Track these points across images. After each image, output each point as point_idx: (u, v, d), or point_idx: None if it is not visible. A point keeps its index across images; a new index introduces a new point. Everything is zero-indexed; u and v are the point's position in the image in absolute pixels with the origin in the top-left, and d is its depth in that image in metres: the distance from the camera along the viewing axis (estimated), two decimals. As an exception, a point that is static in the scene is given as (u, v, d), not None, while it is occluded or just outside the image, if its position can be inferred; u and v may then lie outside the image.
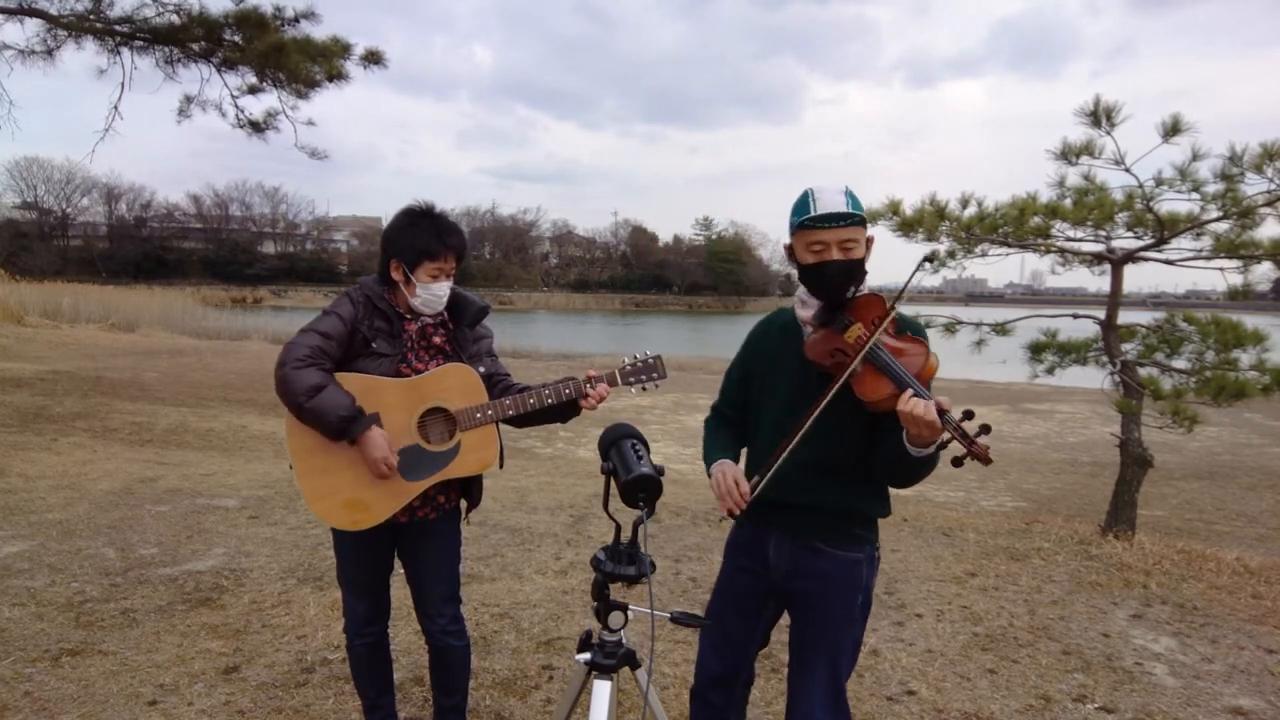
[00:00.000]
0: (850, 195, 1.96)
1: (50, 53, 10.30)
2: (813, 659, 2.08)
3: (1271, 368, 5.05)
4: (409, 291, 2.42)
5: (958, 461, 1.77)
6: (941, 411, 1.74)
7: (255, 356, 18.92)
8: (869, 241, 2.02)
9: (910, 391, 1.78)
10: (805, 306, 2.08)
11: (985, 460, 1.72)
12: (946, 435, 1.77)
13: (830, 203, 1.93)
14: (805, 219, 1.95)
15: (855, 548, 2.07)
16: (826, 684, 2.06)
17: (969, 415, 1.73)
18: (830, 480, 2.03)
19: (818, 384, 1.97)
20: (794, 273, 2.11)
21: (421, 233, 2.39)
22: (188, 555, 4.62)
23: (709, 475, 2.12)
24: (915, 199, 6.11)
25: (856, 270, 1.98)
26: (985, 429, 1.72)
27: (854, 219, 1.93)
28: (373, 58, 10.70)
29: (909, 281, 2.06)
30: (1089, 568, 4.95)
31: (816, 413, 1.92)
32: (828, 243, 1.94)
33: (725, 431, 2.24)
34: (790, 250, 2.07)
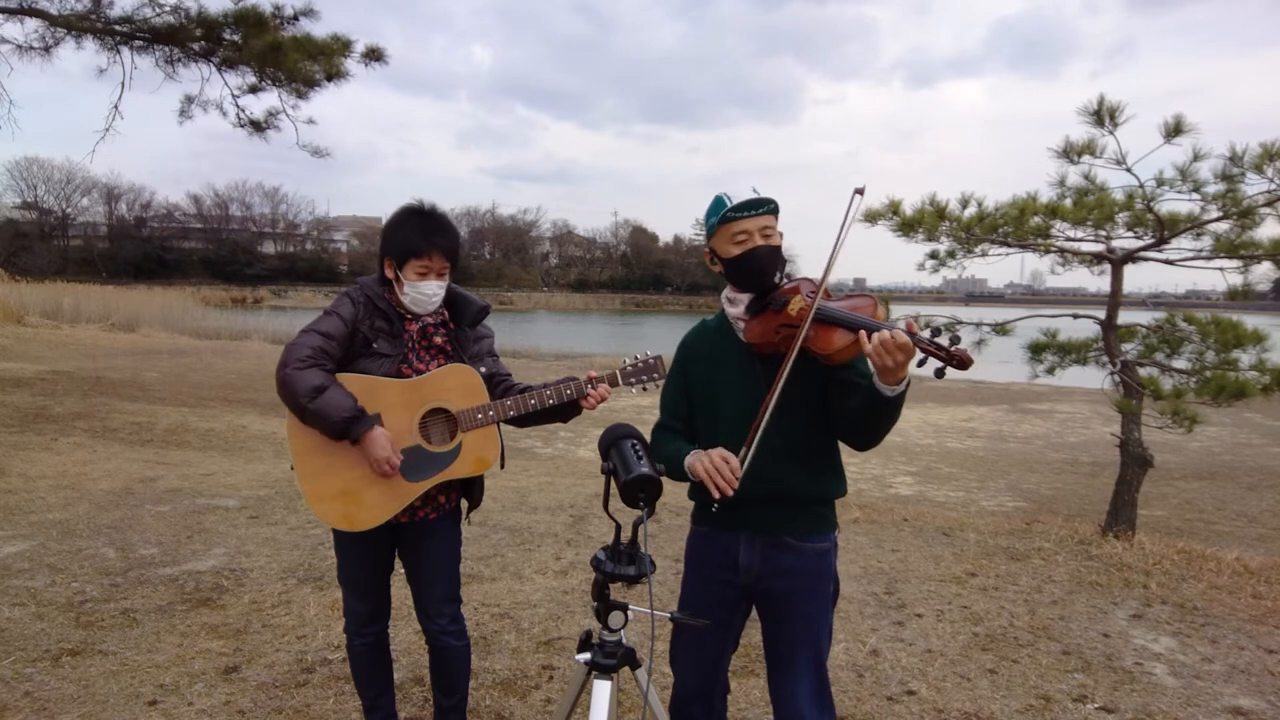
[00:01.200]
0: (758, 193, 2.06)
1: (48, 49, 10.31)
2: (795, 657, 2.08)
3: (1271, 368, 5.05)
4: (399, 289, 2.42)
5: (940, 373, 1.75)
6: (910, 333, 1.75)
7: (255, 356, 18.92)
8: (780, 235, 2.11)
9: (870, 329, 1.80)
10: (735, 304, 2.12)
11: (967, 363, 1.71)
12: (921, 356, 1.77)
13: (744, 194, 2.04)
14: (726, 211, 2.03)
15: (821, 536, 2.10)
16: (812, 679, 2.07)
17: (937, 331, 1.75)
18: (795, 465, 2.04)
19: (765, 371, 1.99)
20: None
21: (408, 230, 2.39)
22: (188, 555, 4.62)
23: (684, 469, 2.04)
24: (915, 199, 6.12)
25: (779, 256, 2.07)
26: (956, 339, 1.73)
27: (770, 205, 2.04)
28: (374, 55, 10.69)
29: (841, 233, 2.03)
30: (1089, 568, 4.95)
31: (781, 383, 1.92)
32: (750, 231, 2.03)
33: (680, 440, 2.17)
34: (711, 254, 2.13)
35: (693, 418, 2.18)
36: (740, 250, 2.04)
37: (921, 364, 1.79)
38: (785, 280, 2.09)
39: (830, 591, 2.12)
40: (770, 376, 1.97)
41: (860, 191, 1.94)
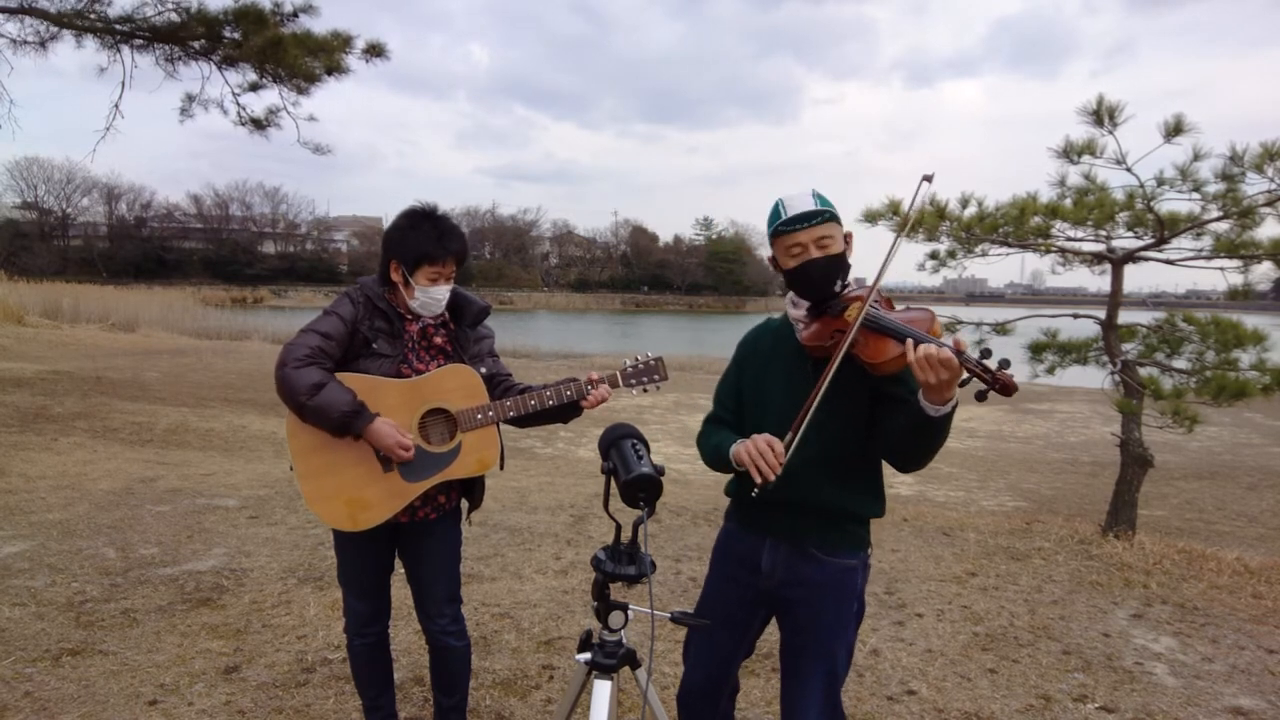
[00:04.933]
0: (818, 196, 2.01)
1: (43, 44, 10.29)
2: (808, 669, 2.06)
3: (1271, 367, 5.05)
4: (408, 294, 2.42)
5: (981, 395, 1.71)
6: (958, 352, 1.71)
7: (255, 356, 18.92)
8: (848, 238, 2.06)
9: (918, 342, 1.77)
10: (797, 306, 2.10)
11: (1011, 389, 1.68)
12: (965, 376, 1.73)
13: (798, 204, 1.99)
14: (778, 225, 2.00)
15: (849, 553, 2.06)
16: (822, 694, 2.04)
17: (986, 354, 1.71)
18: (829, 478, 2.01)
19: (816, 373, 1.95)
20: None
21: (422, 236, 2.39)
22: (188, 555, 4.62)
23: (729, 458, 2.01)
24: (915, 199, 6.10)
25: (838, 265, 2.02)
26: (1005, 363, 1.69)
27: (824, 215, 1.98)
28: (374, 50, 10.67)
29: (894, 247, 2.04)
30: (1089, 567, 4.95)
31: (826, 382, 1.89)
32: (804, 243, 1.99)
33: (728, 430, 2.17)
34: (774, 262, 2.11)
35: (743, 412, 2.17)
36: (795, 263, 2.00)
37: (964, 384, 1.76)
38: (851, 287, 2.05)
39: (853, 610, 2.08)
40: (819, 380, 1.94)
41: (929, 179, 1.90)
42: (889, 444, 1.97)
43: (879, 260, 2.03)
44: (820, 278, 2.00)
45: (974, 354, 1.72)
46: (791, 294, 2.12)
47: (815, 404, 1.90)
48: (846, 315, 1.97)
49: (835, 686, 2.06)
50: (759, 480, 1.89)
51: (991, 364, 1.69)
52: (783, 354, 2.11)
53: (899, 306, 2.02)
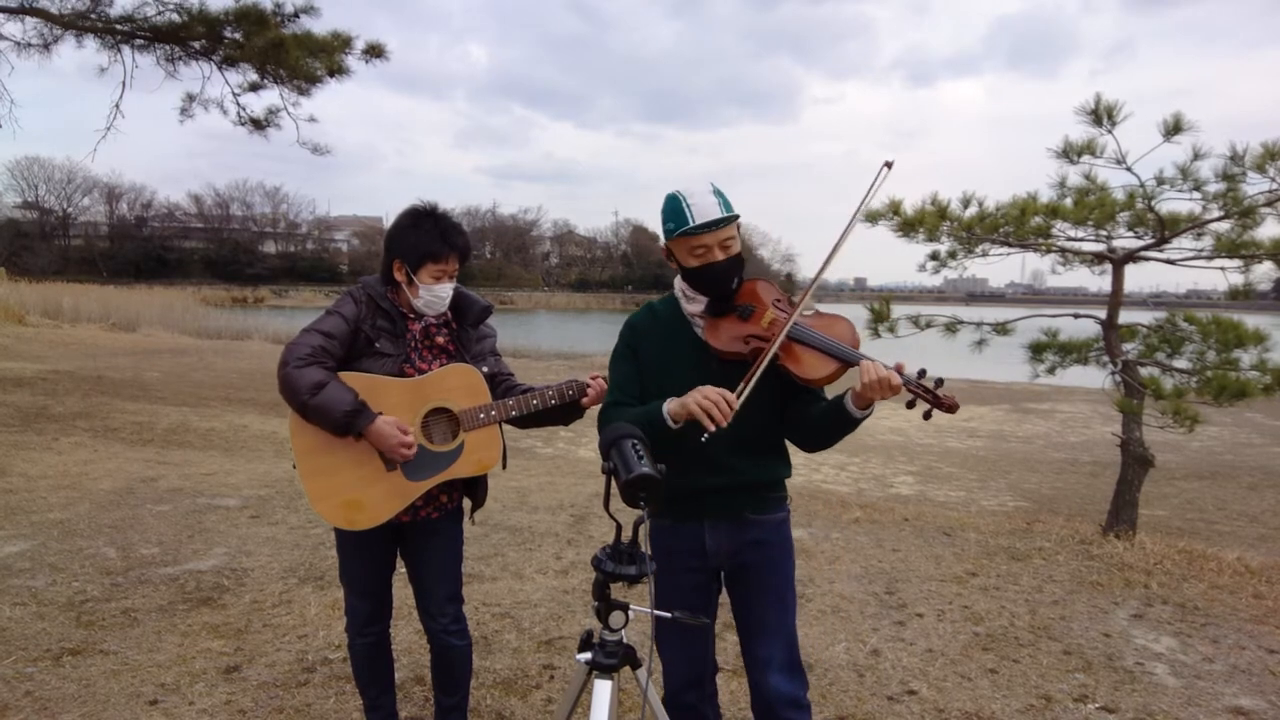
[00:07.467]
0: (720, 195, 2.05)
1: (47, 46, 10.32)
2: (767, 628, 2.14)
3: (1272, 367, 5.04)
4: (412, 293, 2.42)
5: (927, 415, 1.85)
6: (901, 375, 1.83)
7: (256, 356, 18.92)
8: (738, 228, 2.13)
9: (865, 361, 1.88)
10: (692, 301, 2.15)
11: (954, 408, 1.80)
12: (910, 397, 1.85)
13: (706, 208, 2.02)
14: (685, 229, 2.03)
15: (778, 509, 2.19)
16: (783, 651, 2.13)
17: (922, 373, 1.84)
18: (748, 458, 2.11)
19: (723, 370, 2.02)
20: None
21: (425, 233, 2.39)
22: (189, 555, 4.62)
23: (661, 417, 1.98)
24: (916, 199, 6.11)
25: (738, 265, 2.10)
26: (940, 381, 1.82)
27: (731, 219, 2.04)
28: (374, 51, 10.68)
29: (841, 239, 2.10)
30: (1090, 567, 4.94)
31: (748, 392, 1.94)
32: (710, 245, 2.04)
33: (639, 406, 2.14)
34: (668, 253, 2.15)
35: (645, 397, 2.15)
36: (698, 263, 2.06)
37: (911, 405, 1.87)
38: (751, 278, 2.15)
39: (790, 556, 2.21)
40: (729, 377, 1.98)
41: (889, 165, 1.98)
42: (803, 430, 2.10)
43: (873, 258, 2.06)
44: (723, 277, 2.08)
45: (913, 373, 1.85)
46: (685, 287, 2.16)
47: (751, 384, 1.95)
48: (762, 321, 2.03)
49: (793, 638, 2.16)
50: (710, 428, 1.91)
51: (929, 383, 1.82)
52: (680, 346, 2.14)
53: (805, 313, 2.08)
